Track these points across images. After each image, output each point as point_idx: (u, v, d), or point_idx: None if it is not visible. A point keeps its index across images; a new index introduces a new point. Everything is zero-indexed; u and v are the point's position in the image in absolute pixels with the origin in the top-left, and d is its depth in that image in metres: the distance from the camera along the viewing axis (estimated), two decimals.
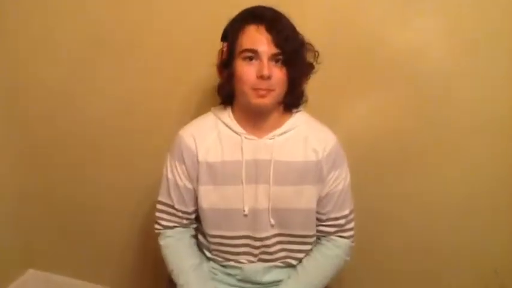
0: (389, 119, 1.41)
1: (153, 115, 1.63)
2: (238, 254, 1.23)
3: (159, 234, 1.28)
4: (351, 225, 1.25)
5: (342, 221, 1.22)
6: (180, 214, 1.24)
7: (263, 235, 1.20)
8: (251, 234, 1.21)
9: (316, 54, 1.15)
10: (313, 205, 1.19)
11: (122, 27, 1.55)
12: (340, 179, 1.20)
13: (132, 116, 1.66)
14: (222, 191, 1.18)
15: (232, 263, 1.25)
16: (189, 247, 1.26)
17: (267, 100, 1.08)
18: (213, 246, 1.25)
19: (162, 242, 1.26)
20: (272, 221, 1.18)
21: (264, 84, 1.06)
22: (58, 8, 1.59)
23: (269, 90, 1.07)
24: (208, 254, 1.28)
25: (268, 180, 1.16)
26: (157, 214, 1.27)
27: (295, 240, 1.23)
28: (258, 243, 1.21)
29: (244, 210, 1.17)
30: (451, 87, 1.33)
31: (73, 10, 1.58)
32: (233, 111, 1.19)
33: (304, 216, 1.20)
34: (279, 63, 1.08)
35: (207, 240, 1.25)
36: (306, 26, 1.11)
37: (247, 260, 1.24)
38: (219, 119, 1.20)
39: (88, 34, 1.59)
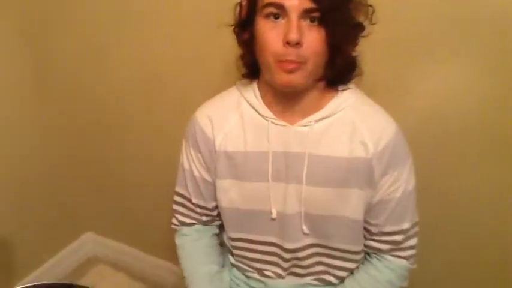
0: (475, 96, 1.02)
1: (187, 79, 1.40)
2: (264, 262, 1.01)
3: (175, 231, 1.09)
4: (412, 242, 0.94)
5: (398, 237, 0.92)
6: (198, 210, 1.03)
7: (294, 246, 0.95)
8: (280, 244, 0.96)
9: (371, 10, 0.83)
10: (359, 215, 0.90)
11: None
12: (399, 183, 0.89)
13: (164, 79, 1.45)
14: (244, 188, 0.94)
15: (256, 275, 1.02)
16: (207, 250, 1.05)
17: (297, 77, 0.79)
18: (235, 251, 1.03)
19: (177, 240, 1.07)
20: (305, 229, 0.93)
21: (291, 54, 0.76)
22: None
23: (299, 64, 0.78)
24: (232, 259, 1.07)
25: (301, 179, 0.89)
26: (174, 207, 1.07)
27: (336, 255, 0.96)
28: (288, 255, 0.97)
29: (271, 213, 0.93)
30: None
31: None
32: (259, 87, 0.92)
33: (348, 227, 0.91)
34: (315, 23, 0.77)
35: (230, 244, 1.04)
36: None
37: (274, 273, 1.00)
38: (243, 96, 0.94)
39: None
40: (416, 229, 0.94)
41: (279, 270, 1.00)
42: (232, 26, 0.88)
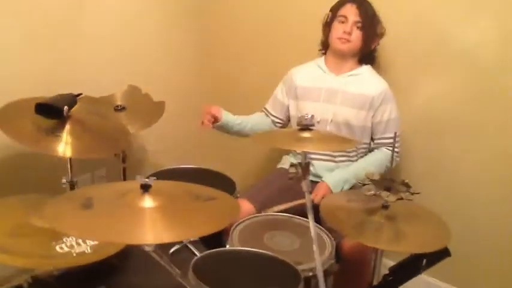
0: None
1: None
2: None
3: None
4: (396, 145, 1.57)
5: (386, 141, 1.76)
6: (269, 115, 1.95)
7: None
8: None
9: (384, 30, 1.77)
10: (367, 124, 1.75)
11: None
12: (387, 112, 1.74)
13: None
14: (304, 105, 1.81)
15: None
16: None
17: (345, 46, 1.71)
18: None
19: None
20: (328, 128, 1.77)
21: (345, 36, 1.69)
22: None
23: (348, 41, 1.69)
24: None
25: (337, 102, 1.75)
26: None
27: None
28: None
29: (317, 118, 1.75)
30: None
31: None
32: (325, 58, 1.84)
33: (361, 130, 1.76)
34: (359, 29, 1.70)
35: None
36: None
37: None
38: (317, 61, 1.86)
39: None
40: (399, 142, 1.77)
41: None
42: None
